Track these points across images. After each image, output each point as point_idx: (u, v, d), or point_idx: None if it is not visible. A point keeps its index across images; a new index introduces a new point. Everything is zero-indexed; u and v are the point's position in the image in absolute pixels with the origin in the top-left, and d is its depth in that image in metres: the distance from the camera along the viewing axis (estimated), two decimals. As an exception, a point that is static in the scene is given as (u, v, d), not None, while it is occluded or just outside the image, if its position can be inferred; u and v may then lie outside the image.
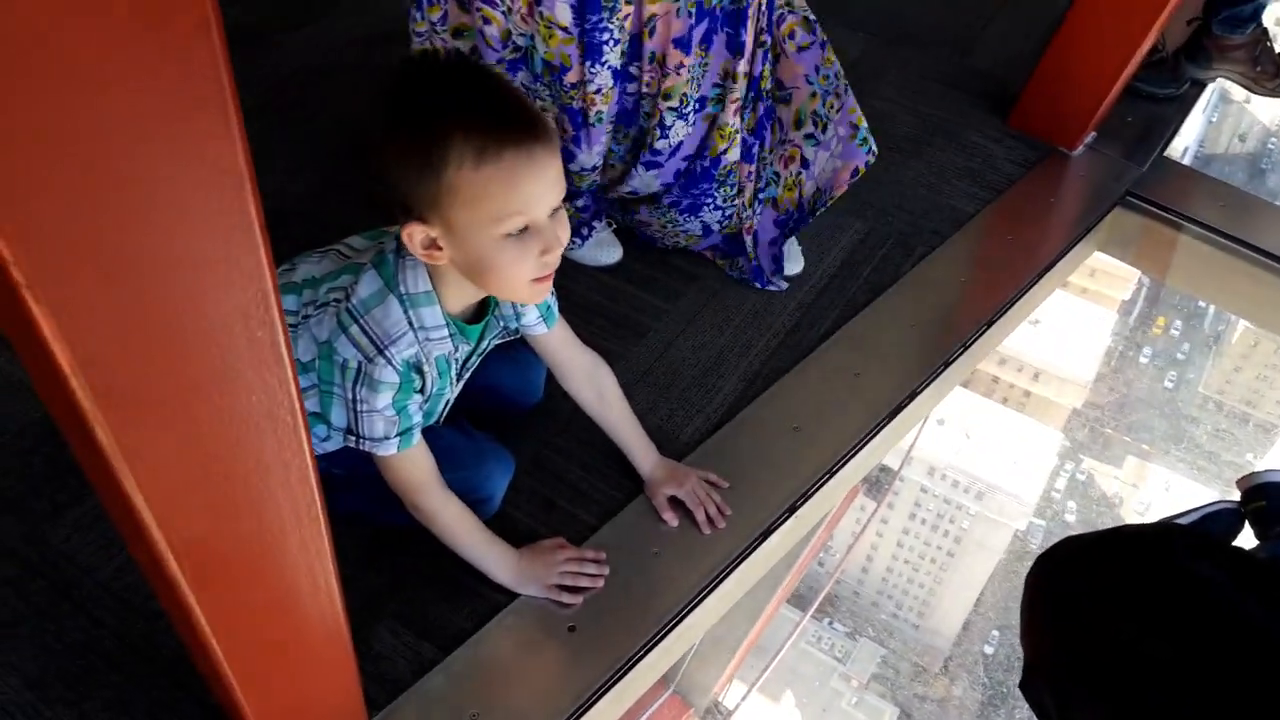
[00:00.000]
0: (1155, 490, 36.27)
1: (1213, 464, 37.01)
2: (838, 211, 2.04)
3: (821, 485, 1.59)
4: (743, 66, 1.58)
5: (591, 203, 1.78)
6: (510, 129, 1.04)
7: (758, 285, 1.84)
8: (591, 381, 1.46)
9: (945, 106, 2.33)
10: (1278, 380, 36.05)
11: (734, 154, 1.67)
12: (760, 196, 1.78)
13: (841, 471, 1.62)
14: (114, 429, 0.54)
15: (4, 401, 1.56)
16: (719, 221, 1.77)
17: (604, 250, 1.85)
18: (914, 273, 1.93)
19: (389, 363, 1.17)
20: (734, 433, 1.65)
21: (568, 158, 1.64)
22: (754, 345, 1.77)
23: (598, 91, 1.56)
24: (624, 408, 1.50)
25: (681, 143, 1.65)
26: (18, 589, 1.37)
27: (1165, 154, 2.33)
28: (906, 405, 1.71)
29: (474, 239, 1.09)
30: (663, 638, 1.41)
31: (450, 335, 1.23)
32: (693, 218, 1.76)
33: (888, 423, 1.68)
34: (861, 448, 1.64)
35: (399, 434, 1.22)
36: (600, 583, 1.42)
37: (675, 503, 1.52)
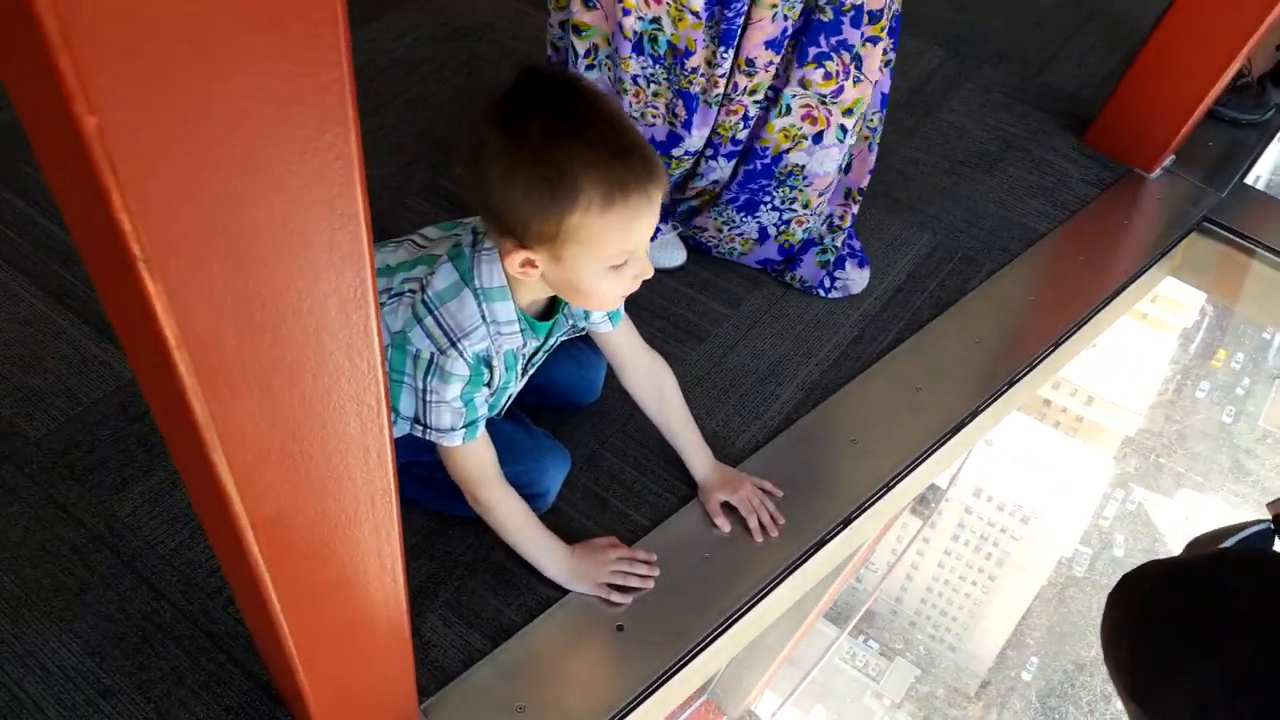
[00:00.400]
0: (1206, 523, 35.26)
1: (1270, 499, 35.83)
2: (905, 223, 2.02)
3: (877, 500, 1.58)
4: (818, 75, 1.57)
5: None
6: (635, 173, 1.05)
7: (820, 294, 1.83)
8: (652, 381, 1.46)
9: (1020, 123, 2.29)
10: (1343, 418, 34.91)
11: (797, 157, 1.66)
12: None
13: (898, 486, 1.60)
14: (209, 403, 0.55)
15: (75, 378, 1.61)
16: (775, 225, 1.76)
17: (668, 253, 1.85)
18: (981, 289, 1.91)
19: (461, 355, 1.18)
20: (790, 442, 1.64)
21: (674, 142, 1.65)
22: (814, 355, 1.76)
23: (722, 75, 1.55)
24: (683, 410, 1.50)
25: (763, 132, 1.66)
26: (84, 558, 1.41)
27: (1245, 181, 2.27)
28: (968, 423, 1.69)
29: (578, 270, 1.11)
30: (710, 643, 1.41)
31: (520, 330, 1.24)
32: (749, 217, 1.75)
33: (947, 439, 1.66)
34: (920, 464, 1.62)
35: (465, 426, 1.24)
36: (650, 584, 1.42)
37: (728, 509, 1.52)
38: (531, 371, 1.41)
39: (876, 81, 1.62)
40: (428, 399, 1.21)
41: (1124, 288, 1.96)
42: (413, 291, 1.21)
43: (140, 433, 1.55)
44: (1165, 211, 2.14)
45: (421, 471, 1.41)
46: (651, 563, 1.44)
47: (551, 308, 1.31)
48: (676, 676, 1.38)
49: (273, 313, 0.54)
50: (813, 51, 1.54)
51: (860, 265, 1.87)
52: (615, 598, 1.40)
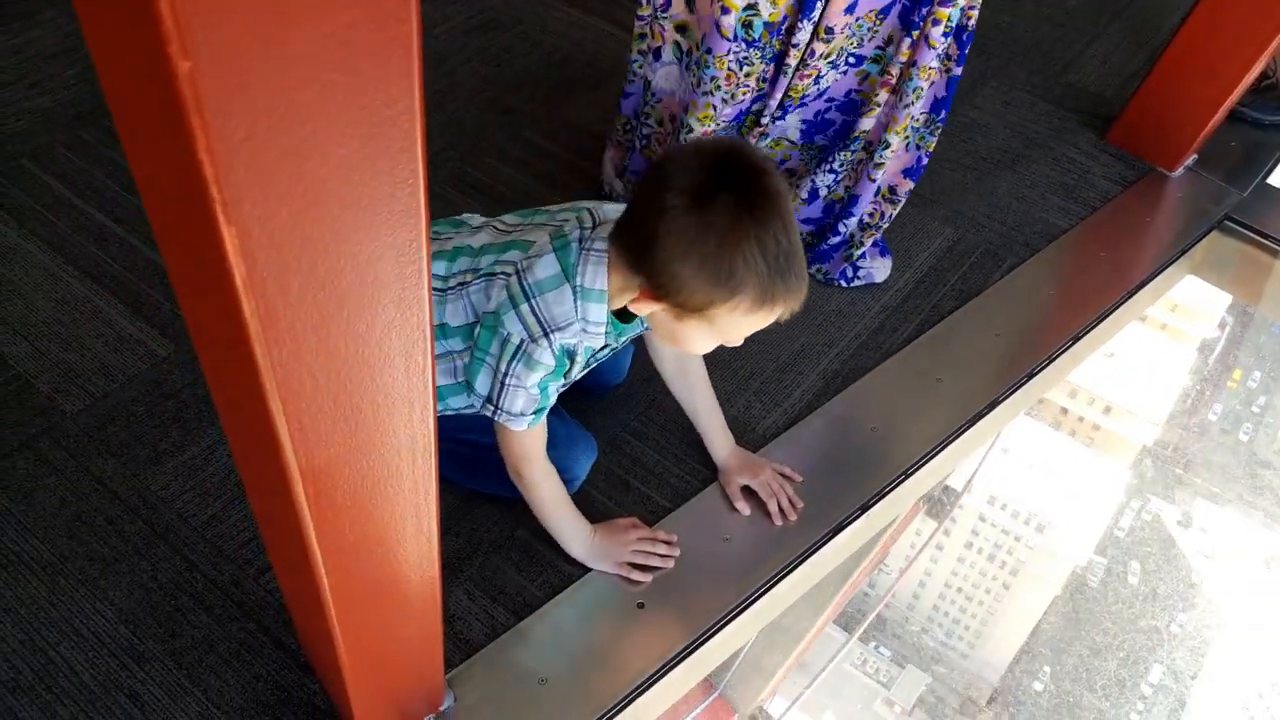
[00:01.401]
0: (1223, 536, 35.09)
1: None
2: (928, 217, 2.04)
3: (895, 487, 1.60)
4: (906, 47, 1.59)
5: None
6: (787, 291, 1.10)
7: (842, 284, 1.85)
8: (679, 361, 1.49)
9: (1043, 121, 2.31)
10: (1364, 430, 34.56)
11: (868, 124, 1.70)
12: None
13: (916, 474, 1.62)
14: (270, 348, 0.57)
15: (112, 355, 1.64)
16: (828, 186, 1.80)
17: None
18: (1002, 283, 1.92)
19: (550, 346, 1.20)
20: (810, 428, 1.66)
21: (758, 98, 1.68)
22: (836, 344, 1.78)
23: (798, 45, 1.58)
24: (707, 390, 1.53)
25: (829, 87, 1.68)
26: (119, 529, 1.44)
27: (1268, 181, 2.27)
28: (986, 414, 1.70)
29: (691, 332, 1.17)
30: (728, 623, 1.43)
31: (605, 331, 1.25)
32: (806, 178, 1.78)
33: (966, 430, 1.67)
34: (938, 453, 1.64)
35: (534, 412, 1.26)
36: (670, 563, 1.44)
37: (748, 492, 1.54)
38: (593, 365, 1.43)
39: (931, 81, 1.64)
40: (507, 381, 1.22)
41: (1144, 284, 1.97)
42: (506, 274, 1.22)
43: (174, 409, 1.59)
44: (1186, 210, 2.15)
45: (461, 449, 1.45)
46: (672, 543, 1.46)
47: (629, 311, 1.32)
48: (695, 655, 1.40)
49: (333, 263, 0.57)
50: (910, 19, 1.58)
51: (882, 254, 1.88)
52: (636, 576, 1.42)
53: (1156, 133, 2.17)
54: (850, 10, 1.55)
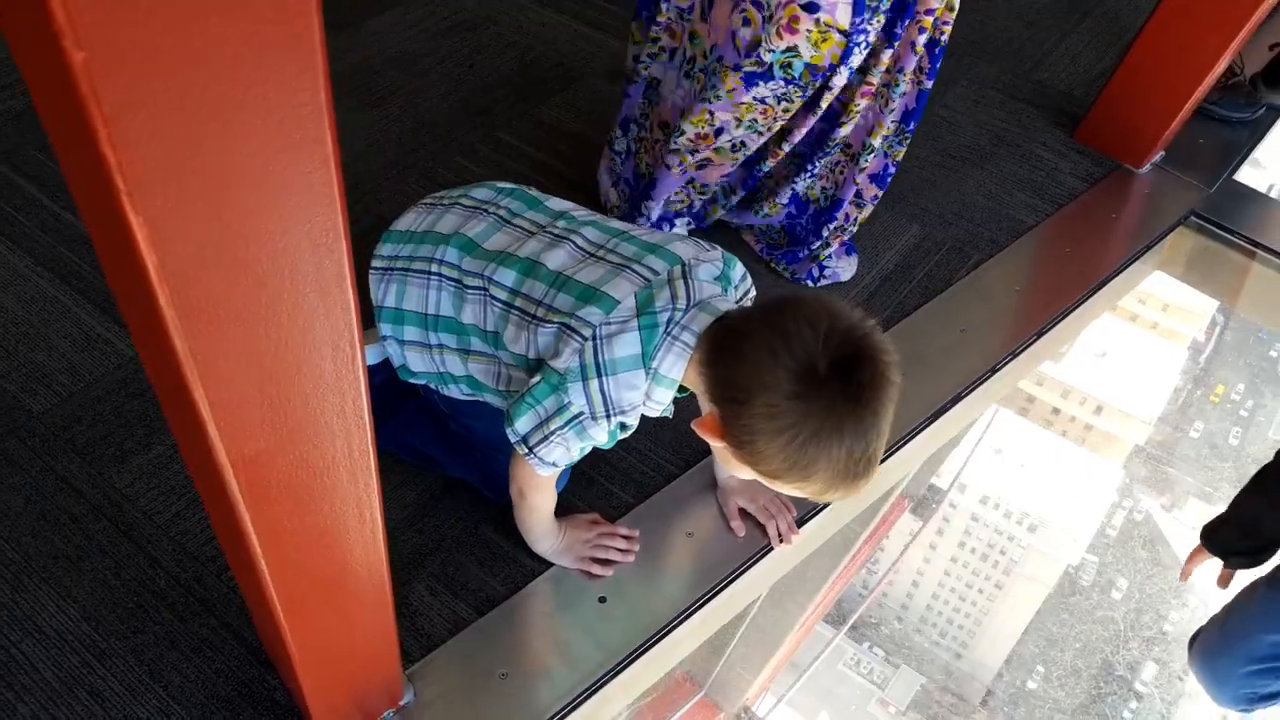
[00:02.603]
0: (1216, 535, 35.05)
1: None
2: (895, 214, 2.05)
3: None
4: (888, 57, 1.60)
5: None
6: (850, 490, 1.08)
7: (809, 283, 1.86)
8: None
9: (1012, 119, 2.33)
10: (1355, 428, 34.72)
11: (845, 131, 1.71)
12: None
13: (881, 468, 1.63)
14: (190, 338, 0.58)
15: (79, 354, 1.65)
16: (805, 185, 1.82)
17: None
18: (968, 279, 1.94)
19: (608, 426, 1.17)
20: (776, 425, 1.66)
21: (783, 134, 1.69)
22: (801, 341, 1.79)
23: (830, 89, 1.58)
24: None
25: None
26: (82, 527, 1.45)
27: (1234, 178, 2.29)
28: (949, 409, 1.72)
29: (745, 473, 1.13)
30: (689, 616, 1.44)
31: (664, 407, 1.22)
32: (786, 184, 1.81)
33: (927, 425, 1.69)
34: (900, 447, 1.65)
35: (566, 464, 1.24)
36: (631, 558, 1.45)
37: (745, 514, 1.54)
38: None
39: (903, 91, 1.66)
40: (551, 437, 1.17)
41: (1109, 280, 1.99)
42: (583, 337, 1.14)
43: (140, 409, 1.59)
44: (1153, 206, 2.17)
45: (455, 430, 1.45)
46: (632, 538, 1.47)
47: None
48: (656, 648, 1.41)
49: (250, 251, 0.58)
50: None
51: (848, 253, 1.90)
52: (596, 570, 1.43)
53: (1123, 130, 2.19)
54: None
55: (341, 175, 0.58)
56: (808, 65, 1.53)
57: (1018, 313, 1.90)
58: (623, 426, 1.20)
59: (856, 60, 1.54)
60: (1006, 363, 1.80)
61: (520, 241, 1.26)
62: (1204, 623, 1.90)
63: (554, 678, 1.36)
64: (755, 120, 1.63)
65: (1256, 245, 2.14)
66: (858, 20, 1.47)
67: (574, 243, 1.25)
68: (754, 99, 1.59)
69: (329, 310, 0.64)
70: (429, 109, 2.19)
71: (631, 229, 1.28)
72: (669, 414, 1.24)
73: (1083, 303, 1.93)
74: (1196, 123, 2.29)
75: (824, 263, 1.85)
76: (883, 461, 1.61)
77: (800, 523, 1.54)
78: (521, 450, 1.20)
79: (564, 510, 1.49)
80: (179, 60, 0.47)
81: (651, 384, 1.15)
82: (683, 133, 1.67)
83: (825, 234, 1.82)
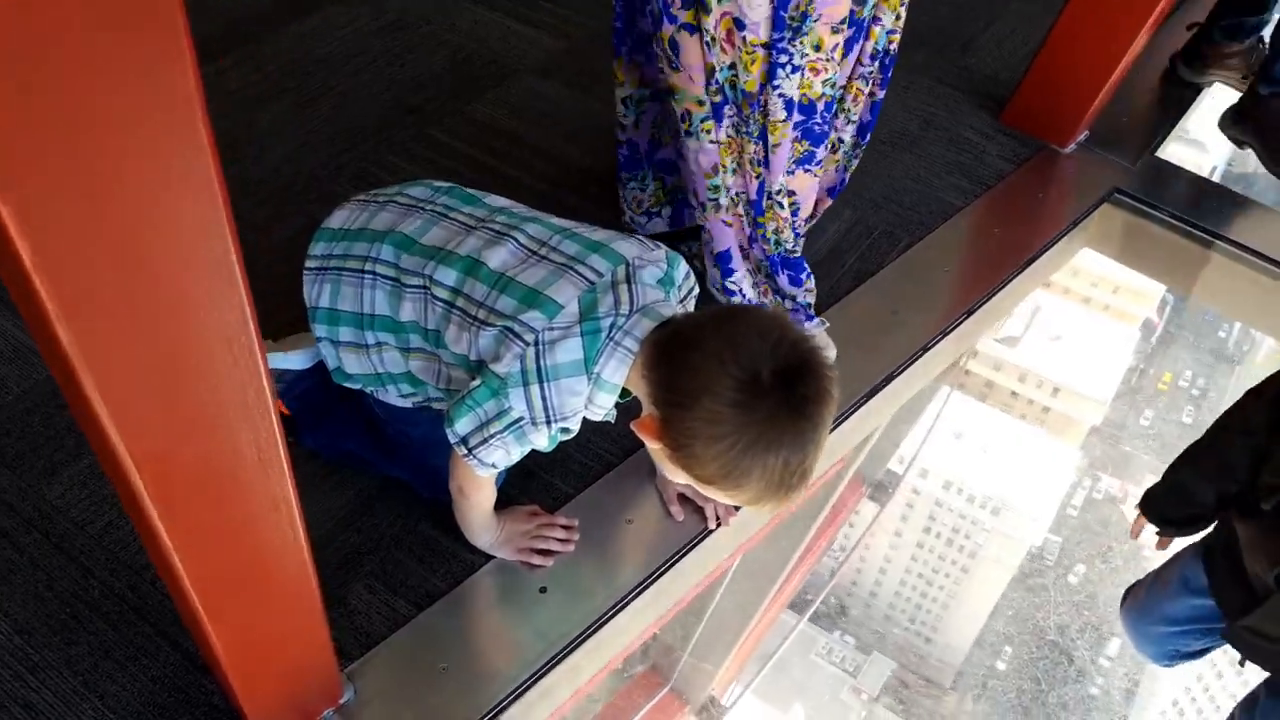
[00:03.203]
0: (1174, 510, 35.82)
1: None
2: (826, 201, 2.08)
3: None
4: (842, 78, 1.58)
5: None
6: (784, 503, 1.08)
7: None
8: None
9: (940, 104, 2.36)
10: (1302, 399, 35.57)
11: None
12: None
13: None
14: (77, 331, 0.58)
15: (6, 366, 1.63)
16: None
17: None
18: (899, 262, 1.97)
19: (549, 432, 1.17)
20: (713, 411, 1.68)
21: (758, 190, 1.63)
22: (736, 327, 1.81)
23: (768, 117, 1.51)
24: None
25: None
26: (13, 540, 1.43)
27: (1156, 155, 2.35)
28: (883, 389, 1.75)
29: (678, 477, 1.13)
30: (630, 602, 1.45)
31: (606, 412, 1.21)
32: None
33: (862, 404, 1.72)
34: (836, 427, 1.68)
35: (505, 465, 1.23)
36: (570, 547, 1.46)
37: (684, 498, 1.55)
38: None
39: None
40: (491, 440, 1.17)
41: (1037, 258, 2.03)
42: (524, 343, 1.13)
43: (70, 420, 1.57)
44: (1078, 185, 2.21)
45: (388, 432, 1.45)
46: (571, 527, 1.48)
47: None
48: (599, 634, 1.42)
49: (133, 241, 0.58)
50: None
51: None
52: (536, 561, 1.44)
53: (1048, 111, 2.24)
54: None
55: (219, 162, 0.58)
56: (744, 91, 1.49)
57: (948, 293, 1.93)
58: (564, 430, 1.20)
59: (784, 82, 1.48)
60: (937, 341, 1.83)
61: (459, 238, 1.25)
62: (1137, 580, 1.95)
63: (496, 669, 1.36)
64: (726, 164, 1.59)
65: (1179, 219, 2.20)
66: (777, 37, 1.43)
67: (516, 240, 1.23)
68: (725, 135, 1.56)
69: (217, 301, 0.65)
70: (361, 109, 2.18)
71: (574, 226, 1.27)
72: (611, 418, 1.24)
73: (1010, 281, 1.97)
74: (1118, 101, 2.34)
75: None
76: (831, 430, 1.65)
77: (738, 505, 1.55)
78: (461, 451, 1.20)
79: (503, 503, 1.49)
80: (35, 42, 0.47)
81: (594, 389, 1.15)
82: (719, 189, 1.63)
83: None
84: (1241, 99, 2.34)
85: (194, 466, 0.75)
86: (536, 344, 1.13)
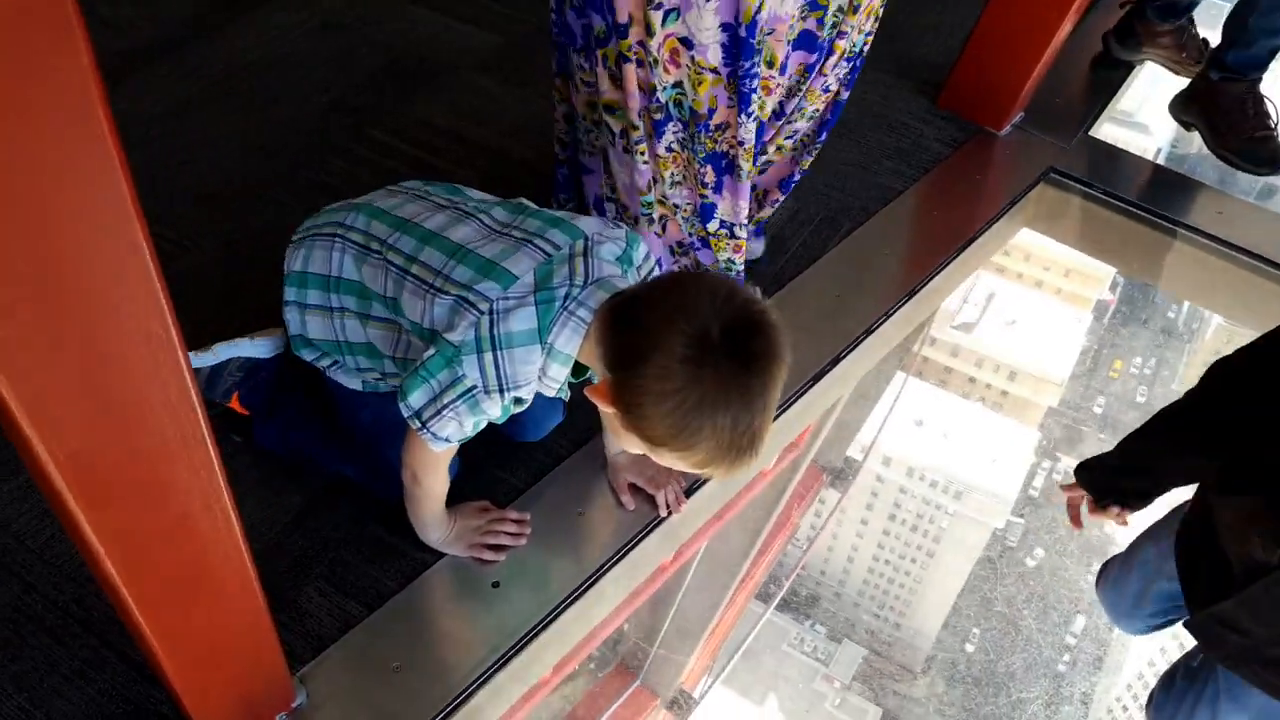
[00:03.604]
0: (1132, 487, 36.56)
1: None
2: (768, 190, 2.09)
3: (744, 448, 1.64)
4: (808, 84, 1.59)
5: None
6: (737, 465, 1.07)
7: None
8: None
9: (876, 91, 2.39)
10: (1249, 374, 36.41)
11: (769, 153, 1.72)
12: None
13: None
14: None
15: (-59, 379, 1.59)
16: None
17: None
18: (841, 247, 1.99)
19: (501, 401, 1.17)
20: (661, 400, 1.69)
21: (707, 214, 1.63)
22: (682, 317, 1.82)
23: (741, 144, 1.52)
24: None
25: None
26: (-47, 558, 1.40)
27: (1090, 134, 2.40)
28: (829, 371, 1.77)
29: (633, 444, 1.12)
30: (583, 594, 1.46)
31: (559, 387, 1.22)
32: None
33: (809, 388, 1.73)
34: (783, 411, 1.69)
35: (459, 439, 1.23)
36: (522, 541, 1.46)
37: (634, 488, 1.55)
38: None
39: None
40: (444, 412, 1.17)
41: (976, 238, 2.07)
42: (479, 312, 1.15)
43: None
44: (1015, 165, 2.25)
45: (343, 429, 1.45)
46: (523, 521, 1.48)
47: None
48: (553, 626, 1.42)
49: (40, 242, 0.57)
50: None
51: (757, 235, 1.91)
52: (488, 556, 1.44)
53: (982, 94, 2.28)
54: (783, 70, 1.52)
55: (123, 150, 0.57)
56: (691, 108, 1.49)
57: (890, 276, 1.96)
58: (517, 401, 1.21)
59: (759, 109, 1.48)
60: (880, 324, 1.85)
61: (428, 213, 1.29)
62: (1113, 555, 1.94)
63: (449, 667, 1.36)
64: (670, 174, 1.59)
65: (1115, 197, 2.24)
66: (743, 64, 1.41)
67: (481, 220, 1.27)
68: (665, 149, 1.55)
69: (132, 294, 0.64)
70: (298, 111, 2.16)
71: (544, 211, 1.29)
72: (565, 395, 1.25)
73: (951, 262, 2.00)
74: (1050, 82, 2.38)
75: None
76: (778, 416, 1.66)
77: (688, 493, 1.56)
78: (414, 425, 1.20)
79: (454, 499, 1.48)
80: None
81: (547, 360, 1.16)
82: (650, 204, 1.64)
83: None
84: (1193, 83, 2.39)
85: (119, 466, 0.75)
86: (491, 313, 1.14)
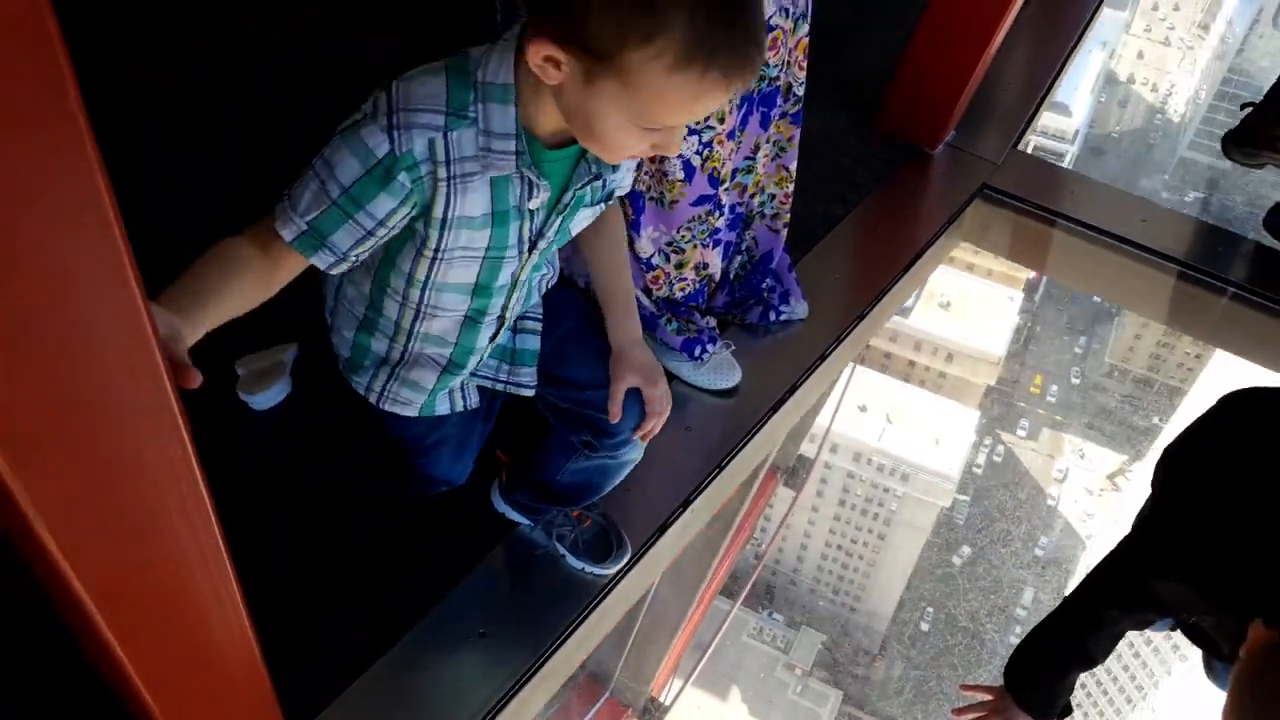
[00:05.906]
0: (1071, 458, 37.70)
1: (1122, 428, 38.59)
2: (718, 221, 2.15)
3: (711, 481, 1.70)
4: (770, 135, 1.69)
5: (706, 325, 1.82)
6: (732, 47, 0.85)
7: (770, 321, 1.93)
8: (598, 222, 1.22)
9: (814, 119, 2.44)
10: (1177, 345, 37.78)
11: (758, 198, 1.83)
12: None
13: (729, 467, 1.73)
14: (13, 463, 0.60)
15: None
16: (723, 257, 1.83)
17: (721, 374, 1.81)
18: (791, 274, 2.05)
19: (386, 130, 0.93)
20: (629, 437, 1.74)
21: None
22: (644, 353, 1.87)
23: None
24: (622, 258, 1.30)
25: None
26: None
27: (1018, 149, 2.50)
28: (788, 399, 1.83)
29: (603, 110, 0.90)
30: (570, 636, 1.50)
31: (518, 152, 0.98)
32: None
33: (769, 418, 1.80)
34: (748, 440, 1.76)
35: (313, 227, 0.97)
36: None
37: (629, 403, 1.29)
38: (547, 252, 1.16)
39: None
40: (315, 163, 0.96)
41: (919, 256, 2.15)
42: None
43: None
44: (950, 184, 2.35)
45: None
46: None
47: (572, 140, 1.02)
48: (540, 671, 1.47)
49: (63, 368, 0.60)
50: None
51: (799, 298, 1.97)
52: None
53: (915, 116, 2.36)
54: (729, 136, 1.58)
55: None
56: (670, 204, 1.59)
57: (839, 301, 2.03)
58: (430, 172, 0.96)
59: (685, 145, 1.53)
60: (833, 349, 1.92)
61: None
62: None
63: (444, 717, 1.39)
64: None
65: (1042, 209, 2.35)
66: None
67: None
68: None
69: (156, 429, 0.67)
70: (242, 136, 2.15)
71: None
72: (544, 182, 1.03)
73: (897, 281, 2.08)
74: (979, 102, 2.48)
75: (779, 308, 1.93)
76: (740, 448, 1.73)
77: (660, 526, 1.62)
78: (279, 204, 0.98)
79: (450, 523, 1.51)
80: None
81: (482, 103, 0.95)
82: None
83: (764, 286, 1.91)
84: (1246, 121, 2.35)
85: (148, 594, 0.78)
86: (389, 87, 0.96)
